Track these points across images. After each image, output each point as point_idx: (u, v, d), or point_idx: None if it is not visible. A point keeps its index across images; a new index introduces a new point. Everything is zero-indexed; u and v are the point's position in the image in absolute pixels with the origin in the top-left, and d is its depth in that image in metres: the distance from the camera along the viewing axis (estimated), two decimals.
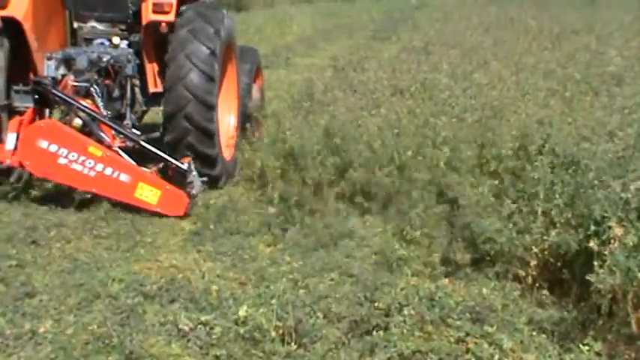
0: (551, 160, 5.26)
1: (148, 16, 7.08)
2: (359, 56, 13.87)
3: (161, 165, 6.42)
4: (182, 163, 6.41)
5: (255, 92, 8.42)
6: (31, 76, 6.70)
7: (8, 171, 6.38)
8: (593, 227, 4.23)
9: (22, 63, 6.98)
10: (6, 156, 6.24)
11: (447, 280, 4.98)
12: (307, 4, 31.84)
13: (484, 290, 4.65)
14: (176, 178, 6.39)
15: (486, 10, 26.09)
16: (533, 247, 4.74)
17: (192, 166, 6.44)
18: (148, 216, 6.30)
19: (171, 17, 6.98)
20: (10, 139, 6.25)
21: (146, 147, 6.45)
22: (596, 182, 4.56)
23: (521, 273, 4.83)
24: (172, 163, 6.39)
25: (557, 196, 4.86)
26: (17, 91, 6.83)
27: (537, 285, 4.79)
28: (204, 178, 6.60)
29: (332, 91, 9.28)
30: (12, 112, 6.72)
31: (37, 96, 6.42)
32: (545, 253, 4.75)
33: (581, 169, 4.91)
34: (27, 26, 6.85)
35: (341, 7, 32.92)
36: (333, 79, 9.60)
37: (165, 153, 6.46)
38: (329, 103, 8.56)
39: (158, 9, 7.01)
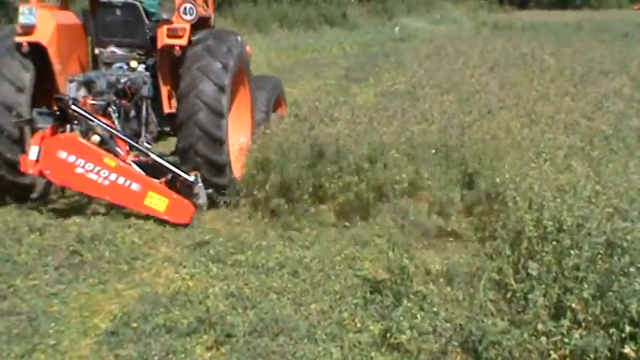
0: (573, 239, 5.39)
1: (163, 40, 9.23)
2: (327, 102, 13.92)
3: (170, 176, 8.72)
4: (189, 176, 8.76)
5: (275, 121, 10.53)
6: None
7: (31, 188, 9.03)
8: (628, 328, 4.27)
9: (45, 86, 9.21)
10: (29, 166, 8.47)
11: None
12: (261, 34, 32.01)
13: None
14: (184, 189, 8.72)
15: (491, 43, 26.65)
16: (552, 353, 4.79)
17: (199, 179, 8.80)
18: (50, 309, 6.31)
19: (184, 41, 9.16)
20: (33, 151, 8.49)
21: (156, 159, 8.85)
22: (632, 269, 4.61)
23: None
24: (180, 175, 8.77)
25: (584, 285, 4.92)
26: (40, 113, 8.82)
27: None
28: (210, 190, 8.93)
29: (287, 153, 9.21)
30: (34, 129, 8.79)
31: (57, 112, 8.73)
32: None
33: (615, 252, 5.00)
34: (51, 51, 9.14)
35: (305, 39, 33.22)
36: (291, 134, 9.61)
37: (175, 167, 8.85)
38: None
39: (172, 33, 9.18)
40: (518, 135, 9.74)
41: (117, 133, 8.91)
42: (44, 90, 9.22)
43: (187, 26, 9.23)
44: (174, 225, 8.55)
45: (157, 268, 7.39)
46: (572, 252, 5.20)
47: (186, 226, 8.50)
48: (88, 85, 9.39)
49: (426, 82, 16.35)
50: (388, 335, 5.69)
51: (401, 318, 5.79)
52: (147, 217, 8.61)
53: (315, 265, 7.31)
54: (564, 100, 13.36)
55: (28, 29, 9.04)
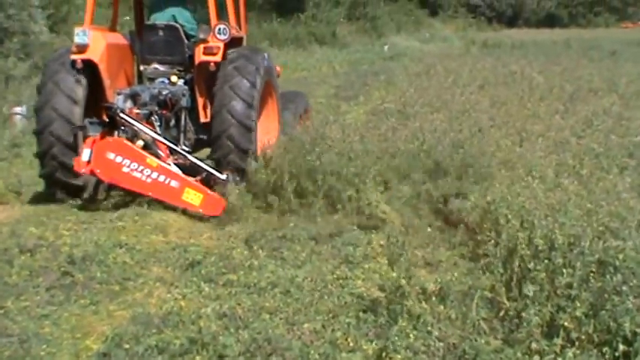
0: (565, 257, 5.39)
1: (200, 57, 10.65)
2: (318, 121, 14.05)
3: (204, 175, 10.05)
4: (221, 174, 10.06)
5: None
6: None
7: (82, 189, 10.39)
8: (621, 346, 4.28)
9: (94, 98, 10.58)
10: (82, 166, 9.73)
11: None
12: None
13: None
14: (216, 186, 9.94)
15: (480, 61, 26.80)
16: None
17: (230, 177, 10.04)
18: (41, 331, 6.29)
19: (218, 58, 10.55)
20: (85, 153, 9.75)
21: (193, 160, 10.22)
22: (624, 288, 4.62)
23: None
24: (213, 174, 10.07)
25: (577, 304, 4.92)
26: (91, 122, 10.09)
27: None
28: (241, 186, 10.00)
29: (281, 177, 9.69)
30: (86, 136, 9.98)
31: (107, 120, 10.12)
32: None
33: (607, 270, 5.01)
34: (101, 67, 10.55)
35: (294, 58, 33.40)
36: (281, 153, 9.97)
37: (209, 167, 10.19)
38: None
39: (208, 51, 10.59)
40: (509, 153, 9.77)
41: (159, 138, 10.25)
42: (94, 102, 10.60)
43: (221, 45, 10.61)
44: (167, 244, 8.56)
45: (149, 289, 7.36)
46: (564, 270, 5.20)
47: (215, 217, 9.61)
48: (134, 97, 10.76)
49: (416, 100, 16.42)
50: (383, 355, 5.68)
51: (396, 337, 5.78)
52: (138, 237, 8.61)
53: (307, 285, 7.30)
54: (554, 119, 13.45)
55: (82, 48, 10.45)
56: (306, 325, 6.37)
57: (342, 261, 8.00)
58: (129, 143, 9.85)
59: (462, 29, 62.39)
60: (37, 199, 10.81)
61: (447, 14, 68.87)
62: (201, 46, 10.67)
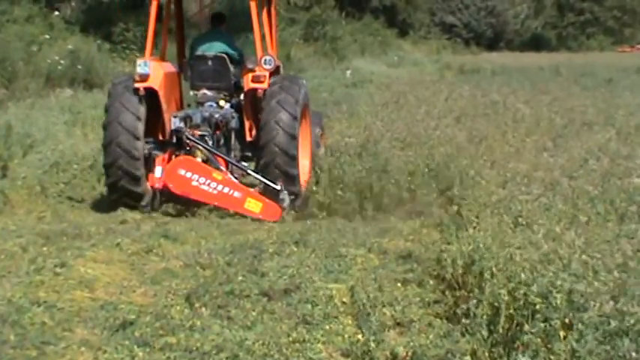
0: (569, 323, 5.37)
1: (248, 85, 13.79)
2: None
3: (261, 185, 13.22)
4: (276, 184, 13.06)
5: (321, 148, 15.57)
6: (167, 127, 13.83)
7: (142, 197, 13.45)
8: None
9: (150, 123, 13.67)
10: (156, 181, 13.31)
11: None
12: None
13: None
14: (272, 195, 12.97)
15: (457, 89, 27.17)
16: None
17: (284, 187, 13.08)
18: None
19: (265, 85, 13.61)
20: (158, 170, 13.33)
21: (252, 174, 13.48)
22: (634, 355, 4.59)
23: None
24: (269, 185, 13.11)
25: None
26: (147, 142, 13.55)
27: None
28: (293, 196, 13.22)
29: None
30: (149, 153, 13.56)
31: (167, 139, 13.81)
32: None
33: (619, 339, 4.95)
34: (161, 94, 13.64)
35: None
36: None
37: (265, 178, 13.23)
38: None
39: (256, 79, 13.69)
40: (491, 196, 9.84)
41: (223, 156, 13.78)
42: (149, 126, 13.69)
43: (267, 74, 13.71)
44: (93, 301, 8.46)
45: (72, 354, 7.24)
46: (563, 334, 5.18)
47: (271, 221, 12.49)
48: (187, 119, 13.80)
49: (383, 134, 16.55)
50: None
51: None
52: (59, 294, 8.51)
53: (258, 349, 7.23)
54: (542, 156, 13.55)
55: (144, 77, 13.43)
56: None
57: (299, 321, 7.95)
58: (197, 160, 13.20)
59: (435, 52, 63.14)
60: None
61: (419, 35, 69.81)
62: (250, 74, 13.75)
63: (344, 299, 8.41)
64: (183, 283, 9.11)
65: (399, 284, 8.86)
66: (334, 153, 14.98)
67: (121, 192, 13.44)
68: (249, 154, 14.26)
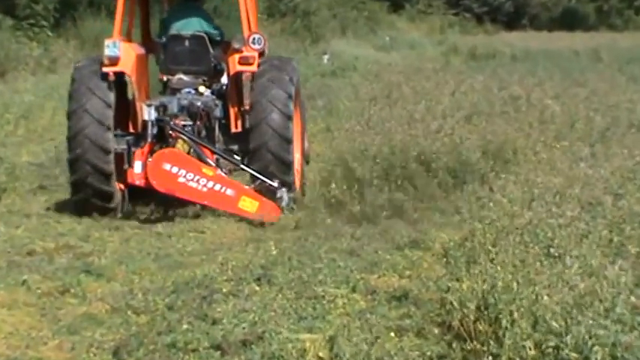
0: None
1: (235, 67, 14.89)
2: None
3: (258, 182, 14.18)
4: (273, 182, 14.14)
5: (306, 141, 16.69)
6: (139, 118, 14.92)
7: (112, 196, 14.47)
8: None
9: (118, 112, 14.75)
10: (136, 178, 14.27)
11: None
12: None
13: None
14: (268, 193, 14.13)
15: (467, 80, 27.38)
16: None
17: (283, 189, 14.17)
18: None
19: (254, 68, 14.71)
20: (137, 165, 14.25)
21: (247, 170, 14.58)
22: None
23: None
24: (266, 182, 14.14)
25: None
26: (115, 135, 14.49)
27: None
28: (292, 194, 14.36)
29: None
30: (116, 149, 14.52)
31: (153, 132, 14.49)
32: None
33: None
34: (133, 79, 14.92)
35: None
36: None
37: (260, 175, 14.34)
38: None
39: (244, 61, 14.74)
40: (515, 219, 9.86)
41: (216, 150, 14.74)
42: (119, 114, 14.83)
43: (256, 54, 14.75)
44: None
45: None
46: None
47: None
48: (162, 108, 14.65)
49: (372, 140, 16.72)
50: None
51: None
52: None
53: None
54: (578, 168, 13.59)
55: (114, 60, 14.39)
56: None
57: None
58: (183, 153, 14.25)
59: (438, 31, 63.29)
60: None
61: (417, 9, 69.74)
62: (236, 56, 14.81)
63: (320, 354, 8.41)
64: (111, 333, 9.11)
65: (392, 334, 8.85)
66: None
67: (88, 190, 14.36)
68: (235, 147, 15.18)
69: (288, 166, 14.44)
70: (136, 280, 10.90)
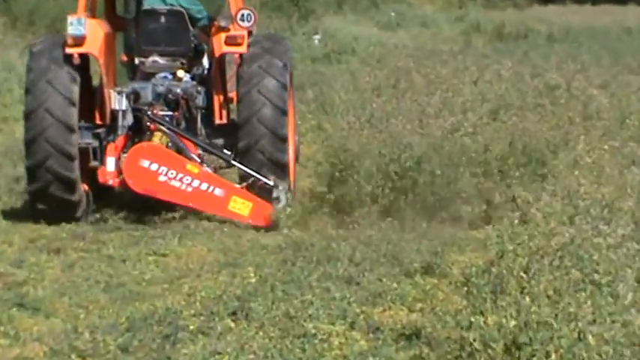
0: None
1: (221, 48, 15.53)
2: None
3: (250, 181, 14.81)
4: (269, 180, 14.68)
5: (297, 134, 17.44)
6: (107, 106, 15.44)
7: (76, 206, 15.09)
8: None
9: (81, 100, 15.22)
10: (109, 177, 14.69)
11: None
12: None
13: None
14: (262, 193, 14.73)
15: (492, 65, 27.49)
16: None
17: (280, 186, 14.75)
18: None
19: (243, 49, 15.34)
20: (110, 163, 14.61)
21: (238, 166, 15.16)
22: None
23: None
24: (260, 179, 14.74)
25: None
26: (80, 127, 15.04)
27: None
28: (290, 194, 14.88)
29: None
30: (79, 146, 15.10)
31: (125, 123, 15.17)
32: None
33: None
34: (101, 62, 15.33)
35: None
36: None
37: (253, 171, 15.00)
38: None
39: (231, 41, 15.35)
40: (553, 239, 9.90)
41: (203, 144, 15.35)
42: (85, 102, 15.41)
43: (245, 33, 15.39)
44: None
45: None
46: None
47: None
48: (134, 95, 15.37)
49: (374, 138, 16.69)
50: None
51: None
52: None
53: None
54: (631, 174, 13.62)
55: (79, 40, 14.91)
56: None
57: None
58: (164, 148, 14.72)
59: (457, 5, 63.29)
60: None
61: None
62: (222, 35, 15.47)
63: None
64: None
65: None
66: None
67: (50, 201, 15.05)
68: (220, 141, 15.80)
69: (283, 168, 15.00)
70: (81, 316, 10.89)
